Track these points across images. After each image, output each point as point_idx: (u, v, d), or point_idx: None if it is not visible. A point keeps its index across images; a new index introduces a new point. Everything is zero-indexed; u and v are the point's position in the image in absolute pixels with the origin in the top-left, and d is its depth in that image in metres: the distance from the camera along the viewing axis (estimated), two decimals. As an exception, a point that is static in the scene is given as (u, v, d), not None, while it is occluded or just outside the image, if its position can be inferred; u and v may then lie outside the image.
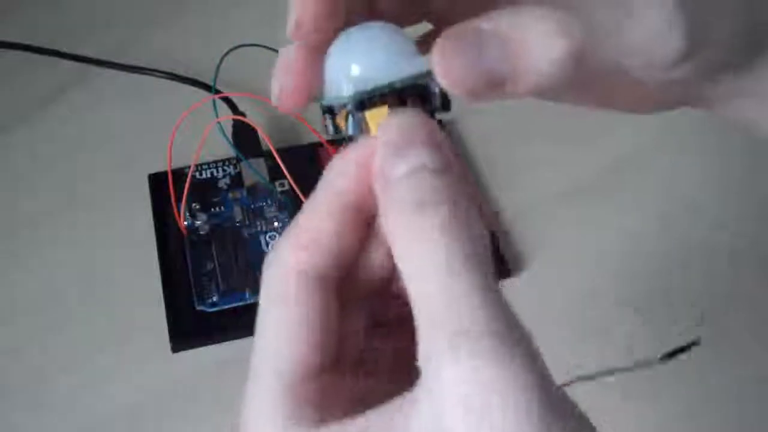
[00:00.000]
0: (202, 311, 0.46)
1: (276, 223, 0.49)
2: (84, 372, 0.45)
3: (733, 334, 0.46)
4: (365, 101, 0.24)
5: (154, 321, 0.46)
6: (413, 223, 0.21)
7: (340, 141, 0.25)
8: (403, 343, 0.25)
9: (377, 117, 0.24)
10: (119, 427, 0.43)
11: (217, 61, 0.52)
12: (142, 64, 0.57)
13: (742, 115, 0.28)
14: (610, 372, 0.40)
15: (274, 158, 0.49)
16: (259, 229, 0.49)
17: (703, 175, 0.52)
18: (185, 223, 0.49)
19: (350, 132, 0.24)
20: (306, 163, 0.52)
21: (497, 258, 0.48)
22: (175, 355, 0.45)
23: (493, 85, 0.23)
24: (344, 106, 0.24)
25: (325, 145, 0.50)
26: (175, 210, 0.48)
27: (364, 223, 0.24)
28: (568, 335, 0.45)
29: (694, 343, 0.42)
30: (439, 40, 0.23)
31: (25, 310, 0.48)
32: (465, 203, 0.22)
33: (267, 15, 0.61)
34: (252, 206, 0.50)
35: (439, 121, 0.25)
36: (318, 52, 0.25)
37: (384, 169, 0.22)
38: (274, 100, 0.26)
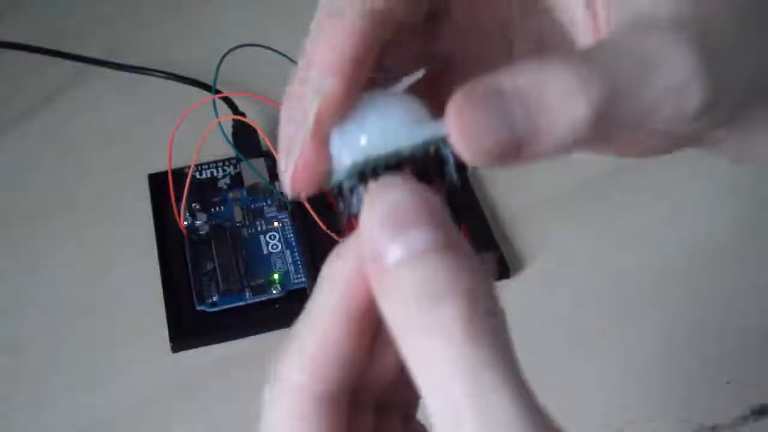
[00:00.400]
0: (202, 311, 0.46)
1: (276, 223, 0.49)
2: (84, 372, 0.45)
3: (735, 330, 0.46)
4: (367, 172, 0.22)
5: (154, 321, 0.46)
6: (421, 319, 0.19)
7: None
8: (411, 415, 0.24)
9: None
10: (119, 427, 0.43)
11: (217, 61, 0.52)
12: (142, 64, 0.57)
13: (754, 151, 0.27)
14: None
15: (274, 158, 0.49)
16: (259, 229, 0.49)
17: (703, 174, 0.52)
18: (185, 223, 0.49)
19: (353, 209, 0.22)
20: (306, 163, 0.52)
21: (497, 258, 0.48)
22: (175, 355, 0.45)
23: (511, 150, 0.21)
24: (349, 179, 0.22)
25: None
26: (175, 210, 0.48)
27: (371, 324, 0.22)
28: (567, 335, 0.46)
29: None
30: (454, 102, 0.21)
31: (25, 310, 0.48)
32: (480, 286, 0.19)
33: (267, 15, 0.62)
34: (252, 206, 0.50)
35: (455, 192, 0.22)
36: (325, 130, 0.23)
37: (375, 254, 0.20)
38: (288, 191, 0.23)
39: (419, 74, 0.28)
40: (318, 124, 0.22)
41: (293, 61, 0.55)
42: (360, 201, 0.22)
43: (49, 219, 0.51)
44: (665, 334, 0.46)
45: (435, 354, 0.19)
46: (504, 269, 0.48)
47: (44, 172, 0.54)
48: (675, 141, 0.25)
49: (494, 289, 0.20)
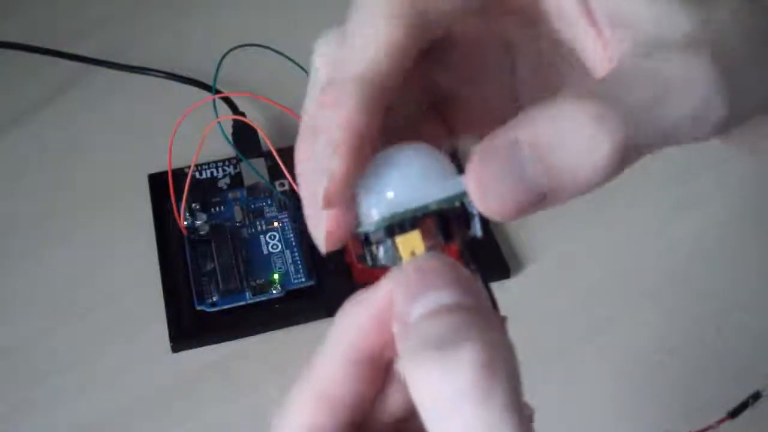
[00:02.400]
0: (202, 311, 0.46)
1: (276, 223, 0.49)
2: (84, 372, 0.45)
3: (736, 328, 0.46)
4: (395, 226, 0.22)
5: (154, 321, 0.46)
6: (436, 365, 0.19)
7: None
8: None
9: (410, 243, 0.22)
10: (119, 427, 0.43)
11: (217, 61, 0.52)
12: (142, 64, 0.57)
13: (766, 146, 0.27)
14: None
15: (274, 158, 0.49)
16: (259, 229, 0.49)
17: (703, 173, 0.52)
18: (185, 223, 0.49)
19: (382, 261, 0.23)
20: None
21: (498, 257, 0.48)
22: (175, 355, 0.45)
23: (535, 203, 0.20)
24: (375, 233, 0.23)
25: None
26: (175, 210, 0.48)
27: (382, 369, 0.22)
28: (567, 335, 0.46)
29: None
30: (471, 161, 0.21)
31: (25, 310, 0.48)
32: (497, 338, 0.20)
33: (267, 15, 0.62)
34: (252, 206, 0.50)
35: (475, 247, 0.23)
36: (337, 202, 0.23)
37: (400, 313, 0.21)
38: (320, 248, 0.24)
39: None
40: (327, 201, 0.22)
41: (293, 61, 0.55)
42: (387, 253, 0.22)
43: (49, 219, 0.51)
44: (665, 333, 0.46)
45: (444, 401, 0.19)
46: (504, 269, 0.48)
47: (44, 172, 0.54)
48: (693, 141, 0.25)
49: (510, 345, 0.20)
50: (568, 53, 0.25)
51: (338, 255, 0.48)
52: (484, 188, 0.21)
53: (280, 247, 0.48)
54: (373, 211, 0.23)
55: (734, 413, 0.42)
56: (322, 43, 0.25)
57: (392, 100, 0.23)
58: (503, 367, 0.19)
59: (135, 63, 0.57)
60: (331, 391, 0.22)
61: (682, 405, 0.44)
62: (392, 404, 0.23)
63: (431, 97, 0.27)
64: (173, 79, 0.56)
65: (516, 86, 0.27)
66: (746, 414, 0.42)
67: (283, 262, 0.48)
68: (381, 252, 0.23)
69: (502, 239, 0.49)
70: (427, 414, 0.19)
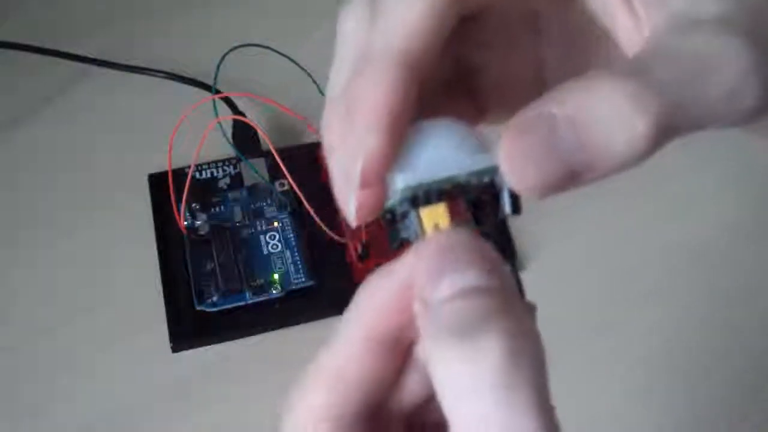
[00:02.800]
0: (202, 311, 0.46)
1: (276, 223, 0.49)
2: (84, 372, 0.45)
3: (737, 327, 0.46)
4: (420, 197, 0.21)
5: (154, 321, 0.46)
6: (459, 352, 0.18)
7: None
8: None
9: (434, 216, 0.21)
10: (119, 427, 0.43)
11: (217, 61, 0.52)
12: (142, 64, 0.57)
13: None
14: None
15: (274, 158, 0.49)
16: (259, 229, 0.49)
17: (703, 170, 0.52)
18: (185, 223, 0.49)
19: (403, 234, 0.22)
20: (306, 163, 0.52)
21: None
22: (175, 355, 0.45)
23: (568, 180, 0.20)
24: (400, 205, 0.22)
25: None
26: (175, 210, 0.48)
27: (401, 351, 0.22)
28: (568, 334, 0.45)
29: None
30: (505, 133, 0.20)
31: (25, 309, 0.48)
32: (523, 326, 0.19)
33: (267, 15, 0.62)
34: (252, 206, 0.50)
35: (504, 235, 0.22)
36: (372, 180, 0.22)
37: (423, 292, 0.20)
38: (350, 220, 0.23)
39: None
40: (364, 179, 0.22)
41: (293, 61, 0.55)
42: (411, 227, 0.22)
43: (49, 219, 0.51)
44: (666, 332, 0.46)
45: (466, 388, 0.18)
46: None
47: (44, 172, 0.54)
48: (720, 127, 0.24)
49: (536, 333, 0.19)
50: (597, 30, 0.25)
51: (338, 255, 0.49)
52: (518, 161, 0.20)
53: (280, 247, 0.48)
54: (398, 181, 0.22)
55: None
56: (349, 12, 0.24)
57: (427, 76, 0.23)
58: (529, 358, 0.19)
59: (135, 63, 0.57)
60: (348, 372, 0.21)
61: (682, 405, 0.44)
62: (410, 390, 0.22)
63: (460, 73, 0.27)
64: (173, 79, 0.56)
65: (545, 63, 0.27)
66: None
67: (283, 262, 0.48)
68: (404, 225, 0.22)
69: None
70: (446, 401, 0.19)
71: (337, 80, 0.23)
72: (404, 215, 0.22)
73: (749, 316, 0.47)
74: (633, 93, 0.20)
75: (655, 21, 0.22)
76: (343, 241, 0.48)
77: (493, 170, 0.21)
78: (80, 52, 0.57)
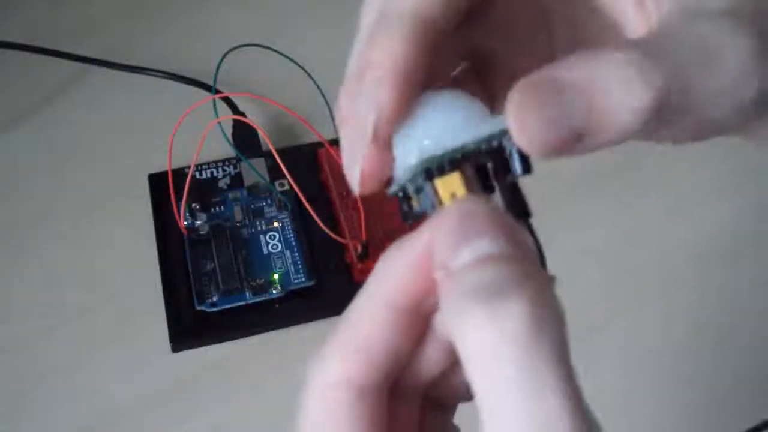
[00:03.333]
0: (202, 311, 0.46)
1: (276, 223, 0.49)
2: (84, 372, 0.45)
3: (738, 326, 0.46)
4: (433, 169, 0.22)
5: (154, 321, 0.46)
6: (482, 315, 0.19)
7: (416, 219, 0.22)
8: (451, 416, 0.24)
9: (450, 186, 0.22)
10: (119, 427, 0.43)
11: (217, 61, 0.52)
12: (142, 64, 0.57)
13: None
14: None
15: (274, 158, 0.49)
16: (259, 229, 0.49)
17: (705, 169, 0.52)
18: (185, 223, 0.49)
19: (421, 208, 0.22)
20: (306, 163, 0.52)
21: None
22: (175, 355, 0.45)
23: (573, 141, 0.21)
24: (414, 179, 0.22)
25: (325, 145, 0.50)
26: (175, 210, 0.48)
27: (420, 322, 0.22)
28: (569, 332, 0.45)
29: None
30: (513, 96, 0.21)
31: (25, 309, 0.48)
32: (545, 290, 0.19)
33: (267, 15, 0.62)
34: (252, 206, 0.50)
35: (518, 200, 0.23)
36: (383, 138, 0.23)
37: (444, 260, 0.20)
38: (354, 188, 0.23)
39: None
40: (376, 135, 0.22)
41: (293, 61, 0.55)
42: (427, 199, 0.22)
43: (49, 219, 0.51)
44: (668, 330, 0.46)
45: (484, 350, 0.19)
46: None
47: (44, 172, 0.54)
48: (721, 129, 0.25)
49: (557, 299, 0.20)
50: (607, 24, 0.25)
51: (338, 255, 0.49)
52: (525, 119, 0.20)
53: (280, 247, 0.48)
54: (411, 157, 0.22)
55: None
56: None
57: (441, 43, 0.23)
58: (551, 323, 0.19)
59: (135, 63, 0.57)
60: (368, 343, 0.22)
61: (682, 406, 0.44)
62: (429, 362, 0.22)
63: (470, 58, 0.27)
64: (173, 79, 0.56)
65: (554, 51, 0.27)
66: None
67: (283, 262, 0.48)
68: (419, 198, 0.22)
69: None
70: (470, 365, 0.19)
71: (356, 48, 0.24)
72: (419, 189, 0.22)
73: (749, 315, 0.47)
74: (638, 63, 0.20)
75: (662, 10, 0.23)
76: (343, 241, 0.48)
77: (502, 134, 0.22)
78: (80, 52, 0.57)
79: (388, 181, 0.23)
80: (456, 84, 0.27)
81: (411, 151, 0.22)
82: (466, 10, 0.25)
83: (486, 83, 0.28)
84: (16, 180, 0.54)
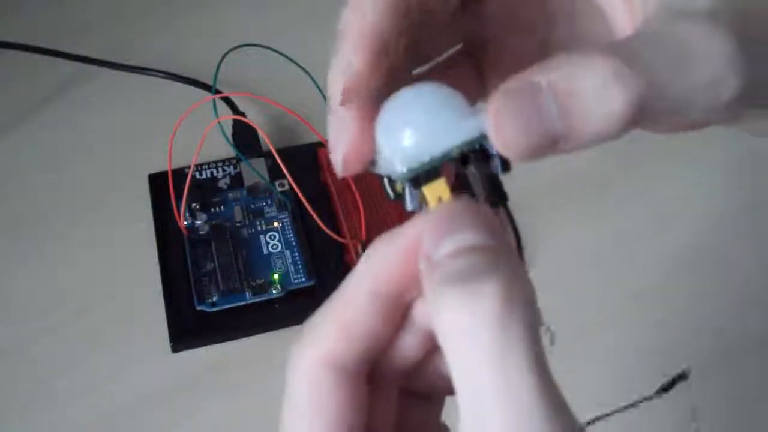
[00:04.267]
0: (202, 311, 0.46)
1: (276, 223, 0.49)
2: (84, 372, 0.45)
3: (735, 327, 0.46)
4: (420, 176, 0.23)
5: (154, 321, 0.46)
6: (459, 296, 0.20)
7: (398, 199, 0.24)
8: (436, 412, 0.25)
9: (435, 190, 0.23)
10: (119, 427, 0.43)
11: (217, 61, 0.52)
12: (142, 64, 0.57)
13: None
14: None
15: (274, 158, 0.49)
16: (259, 229, 0.49)
17: (701, 170, 0.52)
18: (185, 223, 0.49)
19: (409, 207, 0.23)
20: (306, 163, 0.52)
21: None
22: (175, 355, 0.45)
23: (549, 146, 0.21)
24: (402, 186, 0.23)
25: (326, 145, 0.50)
26: (175, 210, 0.48)
27: (401, 311, 0.23)
28: (567, 334, 0.45)
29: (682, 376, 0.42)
30: (493, 102, 0.22)
31: (25, 309, 0.48)
32: (518, 274, 0.20)
33: (267, 15, 0.62)
34: (252, 206, 0.50)
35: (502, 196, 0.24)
36: (370, 114, 0.24)
37: (428, 251, 0.21)
38: (338, 170, 0.25)
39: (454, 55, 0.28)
40: (345, 98, 0.23)
41: (293, 61, 0.55)
42: (413, 201, 0.23)
43: (49, 219, 0.51)
44: (665, 332, 0.46)
45: (461, 330, 0.20)
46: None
47: (44, 172, 0.54)
48: (702, 122, 0.25)
49: (530, 285, 0.21)
50: (600, 13, 0.26)
51: (338, 255, 0.49)
52: (502, 126, 0.21)
53: (280, 247, 0.48)
54: (397, 162, 0.23)
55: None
56: None
57: (427, 20, 0.24)
58: (522, 302, 0.20)
59: (135, 63, 0.57)
60: (351, 322, 0.23)
61: (680, 405, 0.44)
62: (405, 349, 0.23)
63: (466, 42, 0.28)
64: (173, 79, 0.56)
65: (551, 41, 0.28)
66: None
67: (283, 262, 0.48)
68: (408, 200, 0.23)
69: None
70: (446, 343, 0.20)
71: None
72: (405, 189, 0.23)
73: (749, 315, 0.46)
74: (615, 69, 0.21)
75: (648, 9, 0.23)
76: (343, 241, 0.48)
77: (483, 138, 0.23)
78: (80, 52, 0.57)
79: (372, 162, 0.24)
80: (450, 65, 0.28)
81: (396, 154, 0.23)
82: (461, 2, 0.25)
83: (480, 67, 0.28)
84: (16, 180, 0.54)
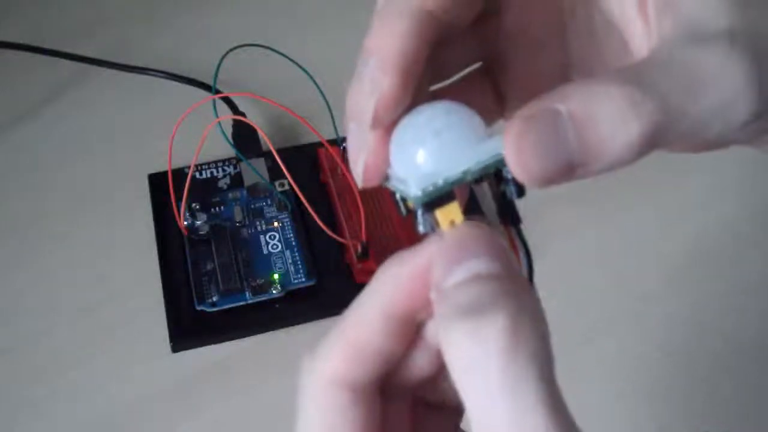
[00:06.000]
0: (202, 311, 0.46)
1: (276, 223, 0.49)
2: (84, 372, 0.45)
3: (736, 329, 0.46)
4: (434, 199, 0.23)
5: (154, 321, 0.46)
6: (467, 330, 0.20)
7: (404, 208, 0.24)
8: (455, 422, 0.25)
9: (448, 213, 0.23)
10: (119, 427, 0.43)
11: (217, 61, 0.52)
12: (142, 64, 0.57)
13: None
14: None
15: (274, 158, 0.49)
16: (259, 229, 0.49)
17: (704, 173, 0.52)
18: (185, 223, 0.49)
19: (421, 230, 0.23)
20: (306, 163, 0.52)
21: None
22: (175, 355, 0.45)
23: (567, 173, 0.22)
24: (415, 208, 0.23)
25: (325, 145, 0.50)
26: (175, 210, 0.48)
27: (412, 330, 0.23)
28: (566, 336, 0.46)
29: None
30: (510, 125, 0.22)
31: (25, 310, 0.48)
32: (526, 305, 0.20)
33: (267, 15, 0.62)
34: (252, 206, 0.50)
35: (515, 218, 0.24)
36: (389, 128, 0.24)
37: (438, 280, 0.22)
38: (358, 182, 0.24)
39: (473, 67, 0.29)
40: (376, 121, 0.23)
41: (293, 62, 0.55)
42: (426, 223, 0.23)
43: (49, 219, 0.51)
44: (664, 335, 0.46)
45: (470, 360, 0.20)
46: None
47: (44, 172, 0.54)
48: (722, 142, 0.25)
49: (541, 313, 0.21)
50: (618, 32, 0.26)
51: (338, 255, 0.49)
52: (522, 151, 0.21)
53: (280, 247, 0.48)
54: (411, 183, 0.23)
55: None
56: None
57: (450, 38, 0.24)
58: (531, 334, 0.20)
59: (135, 63, 0.57)
60: (363, 343, 0.23)
61: (681, 407, 0.44)
62: (417, 365, 0.23)
63: (483, 58, 0.28)
64: (173, 79, 0.56)
65: (568, 57, 0.28)
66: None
67: (283, 262, 0.48)
68: (420, 222, 0.23)
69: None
70: (456, 374, 0.20)
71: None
72: (418, 211, 0.23)
73: (750, 316, 0.47)
74: (632, 98, 0.21)
75: (664, 30, 0.23)
76: (343, 241, 0.48)
77: (499, 162, 0.22)
78: (80, 52, 0.57)
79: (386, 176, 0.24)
80: (467, 83, 0.28)
81: (410, 167, 0.23)
82: (479, 9, 0.25)
83: (497, 83, 0.28)
84: (16, 180, 0.54)
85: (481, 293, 0.20)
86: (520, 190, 0.23)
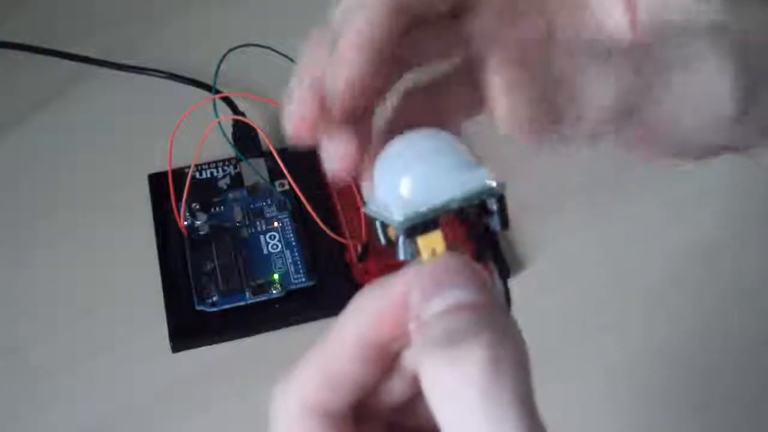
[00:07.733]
0: (202, 311, 0.46)
1: (276, 223, 0.49)
2: (84, 372, 0.45)
3: (736, 330, 0.46)
4: (417, 227, 0.22)
5: (154, 321, 0.46)
6: (447, 358, 0.20)
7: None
8: None
9: (430, 242, 0.22)
10: (119, 427, 0.43)
11: (217, 61, 0.52)
12: (142, 64, 0.57)
13: None
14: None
15: (274, 158, 0.49)
16: (259, 229, 0.49)
17: (704, 173, 0.52)
18: (185, 223, 0.49)
19: (401, 257, 0.23)
20: (306, 163, 0.52)
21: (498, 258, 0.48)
22: (175, 355, 0.45)
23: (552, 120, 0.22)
24: (395, 227, 0.23)
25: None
26: (175, 210, 0.48)
27: (388, 358, 0.23)
28: (567, 336, 0.46)
29: None
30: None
31: (25, 310, 0.48)
32: (507, 334, 0.20)
33: (267, 15, 0.62)
34: (252, 206, 0.50)
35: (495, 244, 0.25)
36: (365, 141, 0.24)
37: (418, 309, 0.21)
38: (287, 131, 0.25)
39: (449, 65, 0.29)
40: (342, 103, 0.23)
41: (293, 61, 0.55)
42: (407, 250, 0.22)
43: (48, 219, 0.51)
44: (665, 335, 0.46)
45: (449, 390, 0.20)
46: (504, 270, 0.48)
47: (44, 171, 0.54)
48: (713, 149, 0.25)
49: (522, 343, 0.21)
50: (601, 28, 0.26)
51: (338, 255, 0.49)
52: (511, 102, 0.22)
53: (280, 247, 0.48)
54: (394, 209, 0.22)
55: None
56: None
57: (413, 22, 0.24)
58: (510, 365, 0.20)
59: (135, 63, 0.57)
60: (337, 370, 0.22)
61: (683, 405, 0.44)
62: (393, 391, 0.23)
63: (461, 56, 0.28)
64: (173, 79, 0.56)
65: (551, 21, 0.27)
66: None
67: (283, 262, 0.48)
68: (401, 249, 0.23)
69: (502, 239, 0.49)
70: (434, 404, 0.20)
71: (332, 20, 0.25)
72: (399, 238, 0.23)
73: (750, 316, 0.46)
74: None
75: (648, 22, 0.24)
76: (343, 241, 0.48)
77: (484, 191, 0.22)
78: (80, 52, 0.57)
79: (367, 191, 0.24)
80: (448, 81, 0.28)
81: (393, 194, 0.23)
82: (451, 3, 0.25)
83: (479, 84, 0.27)
84: (16, 180, 0.54)
85: (460, 323, 0.20)
86: (504, 221, 0.23)
